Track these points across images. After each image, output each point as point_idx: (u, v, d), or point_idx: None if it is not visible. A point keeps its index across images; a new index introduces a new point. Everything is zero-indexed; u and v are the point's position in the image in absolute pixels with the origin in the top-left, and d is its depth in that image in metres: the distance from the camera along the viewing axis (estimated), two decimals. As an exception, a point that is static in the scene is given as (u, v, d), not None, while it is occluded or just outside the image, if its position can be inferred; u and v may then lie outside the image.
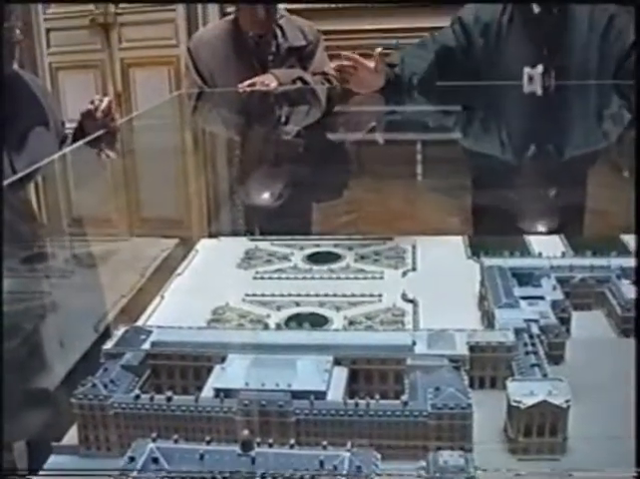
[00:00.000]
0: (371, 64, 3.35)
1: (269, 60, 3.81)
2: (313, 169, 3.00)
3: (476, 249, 2.11)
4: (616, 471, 1.13)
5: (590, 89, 3.35)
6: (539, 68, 3.13)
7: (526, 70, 3.16)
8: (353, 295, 1.92)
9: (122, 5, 6.73)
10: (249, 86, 3.72)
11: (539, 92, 3.16)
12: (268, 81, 3.73)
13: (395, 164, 3.11)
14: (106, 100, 2.88)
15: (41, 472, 1.24)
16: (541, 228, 2.44)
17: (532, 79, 3.16)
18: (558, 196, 2.67)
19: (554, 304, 1.65)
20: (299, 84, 3.85)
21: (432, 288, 1.94)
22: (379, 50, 3.36)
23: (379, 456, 1.16)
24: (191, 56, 3.90)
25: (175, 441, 1.19)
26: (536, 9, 3.19)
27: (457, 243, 2.23)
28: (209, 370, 1.41)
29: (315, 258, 2.18)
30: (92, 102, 2.86)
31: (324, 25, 5.48)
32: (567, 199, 2.63)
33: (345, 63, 3.39)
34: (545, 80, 3.15)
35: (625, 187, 2.53)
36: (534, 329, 1.52)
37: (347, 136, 3.50)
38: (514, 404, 1.26)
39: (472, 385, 1.35)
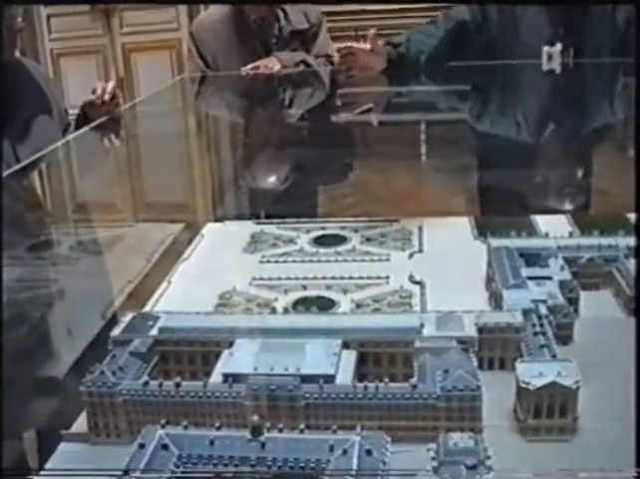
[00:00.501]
0: (366, 45, 3.32)
1: (272, 43, 3.80)
2: (317, 151, 2.99)
3: (482, 230, 2.11)
4: (616, 471, 1.12)
5: (605, 67, 3.33)
6: (558, 46, 3.11)
7: (545, 49, 3.13)
8: (360, 278, 1.92)
9: (122, -11, 6.72)
10: (253, 69, 3.71)
11: (558, 70, 3.14)
12: (272, 64, 3.72)
13: (400, 145, 3.10)
14: (110, 84, 2.87)
15: (42, 472, 1.24)
16: (548, 207, 2.43)
17: (551, 57, 3.14)
18: (565, 175, 2.66)
19: (562, 285, 1.64)
20: (302, 67, 3.84)
21: (439, 270, 1.93)
22: (373, 31, 3.34)
23: (389, 439, 1.15)
24: (194, 40, 3.89)
25: (185, 427, 1.19)
26: None
27: (463, 225, 2.22)
28: (218, 355, 1.41)
29: (321, 241, 2.17)
30: (94, 91, 2.85)
31: (326, 6, 5.47)
32: (574, 178, 2.62)
33: (342, 53, 3.37)
34: (564, 57, 3.13)
35: (632, 165, 2.52)
36: (543, 310, 1.51)
37: (351, 117, 3.49)
38: (524, 385, 1.25)
39: (480, 367, 1.35)
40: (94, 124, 2.75)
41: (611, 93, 3.39)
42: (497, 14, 3.26)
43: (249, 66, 3.71)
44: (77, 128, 2.87)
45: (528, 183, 2.55)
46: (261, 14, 3.74)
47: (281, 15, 3.80)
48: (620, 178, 2.43)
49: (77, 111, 2.94)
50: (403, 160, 2.96)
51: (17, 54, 2.71)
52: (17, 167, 2.33)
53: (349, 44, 3.38)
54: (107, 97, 2.80)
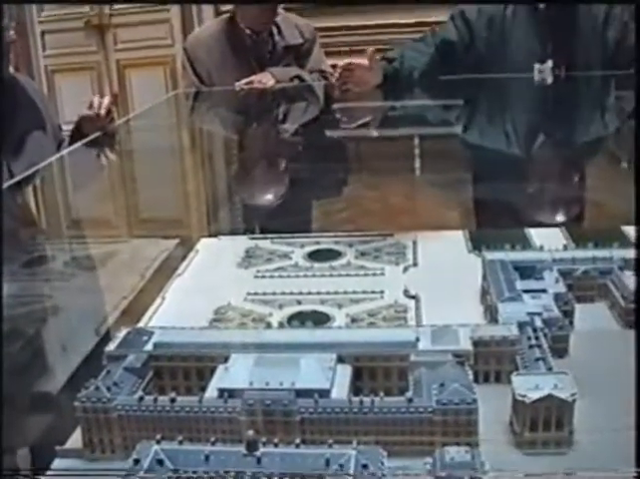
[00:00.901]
0: (364, 61, 3.34)
1: (266, 58, 3.81)
2: (311, 166, 2.99)
3: (477, 244, 2.11)
4: (616, 471, 1.12)
5: (595, 81, 3.34)
6: (549, 63, 3.12)
7: (536, 66, 3.14)
8: (354, 292, 1.92)
9: (116, 6, 6.73)
10: (247, 84, 3.72)
11: (549, 82, 3.15)
12: (265, 79, 3.73)
13: (394, 159, 3.10)
14: (106, 99, 2.87)
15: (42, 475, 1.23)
16: (542, 220, 2.43)
17: (543, 73, 3.14)
18: (559, 188, 2.66)
19: (557, 297, 1.64)
20: (296, 82, 3.85)
21: (433, 284, 1.93)
22: (371, 49, 3.35)
23: (385, 453, 1.15)
24: (188, 56, 3.89)
25: (180, 442, 1.19)
26: (541, 4, 3.17)
27: (457, 238, 2.22)
28: (213, 371, 1.40)
29: (316, 256, 2.17)
30: (90, 105, 2.85)
31: (319, 22, 5.48)
32: (568, 191, 2.63)
33: (339, 71, 3.38)
34: (555, 72, 3.14)
35: (626, 178, 2.53)
36: (538, 323, 1.51)
37: (346, 132, 3.50)
38: (520, 398, 1.25)
39: (476, 380, 1.35)
40: (88, 139, 2.75)
41: (603, 106, 3.40)
42: (486, 33, 3.27)
43: (243, 81, 3.71)
44: (71, 143, 2.87)
45: (522, 196, 2.55)
46: (258, 28, 3.75)
47: (275, 30, 3.81)
48: (614, 190, 2.43)
49: (71, 127, 2.93)
50: (397, 174, 2.96)
51: (11, 69, 2.71)
52: (11, 182, 2.33)
53: (348, 60, 3.39)
54: (102, 111, 2.80)
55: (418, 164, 3.05)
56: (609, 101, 3.42)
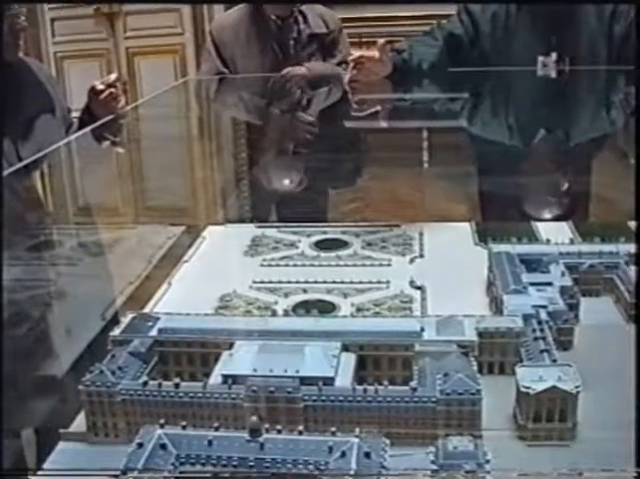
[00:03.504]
0: (375, 53, 3.34)
1: (290, 45, 3.80)
2: (321, 156, 2.99)
3: (483, 236, 2.11)
4: (616, 471, 1.12)
5: (600, 75, 3.33)
6: (553, 56, 3.11)
7: (540, 58, 3.13)
8: (360, 282, 1.92)
9: (126, -6, 6.72)
10: (282, 77, 3.70)
11: (553, 76, 3.14)
12: (300, 71, 3.71)
13: (402, 150, 3.10)
14: (112, 76, 2.86)
15: (40, 472, 1.23)
16: (549, 214, 2.43)
17: (546, 66, 3.13)
18: (566, 182, 2.66)
19: (563, 290, 1.64)
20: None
21: (439, 275, 1.93)
22: (382, 41, 3.35)
23: (388, 442, 1.15)
24: (213, 40, 3.86)
25: (184, 427, 1.19)
26: None
27: (464, 230, 2.22)
28: (217, 357, 1.41)
29: (322, 245, 2.17)
30: (93, 88, 2.84)
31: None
32: (575, 185, 2.62)
33: (351, 64, 3.37)
34: (560, 65, 3.13)
35: (632, 172, 2.52)
36: (543, 315, 1.51)
37: (353, 124, 3.49)
38: (524, 390, 1.25)
39: (480, 371, 1.35)
40: (97, 124, 2.74)
41: (609, 101, 3.39)
42: (490, 27, 3.25)
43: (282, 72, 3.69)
44: (80, 126, 2.86)
45: (525, 189, 2.54)
46: (281, 15, 3.73)
47: (300, 18, 3.80)
48: (620, 185, 2.43)
49: (79, 114, 2.92)
50: (405, 166, 2.96)
51: (21, 54, 2.71)
52: (19, 165, 2.32)
53: (359, 53, 3.39)
54: (112, 78, 2.79)
55: (425, 155, 3.05)
56: (614, 95, 3.40)
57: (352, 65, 3.25)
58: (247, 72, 3.73)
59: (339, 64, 3.80)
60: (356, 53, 3.33)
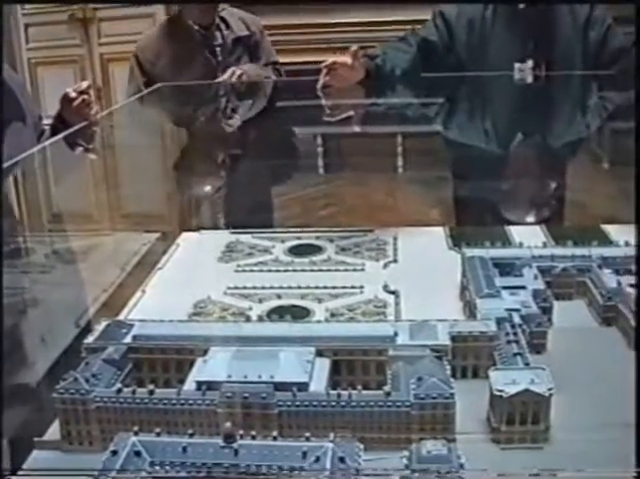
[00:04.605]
0: (347, 59, 3.34)
1: (218, 52, 3.81)
2: (289, 162, 2.99)
3: (457, 240, 2.12)
4: (616, 471, 1.13)
5: (576, 80, 3.35)
6: (529, 62, 3.13)
7: (517, 65, 3.15)
8: (334, 287, 1.92)
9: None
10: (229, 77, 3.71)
11: (530, 81, 3.16)
12: (238, 71, 3.72)
13: (376, 156, 3.11)
14: (84, 83, 2.85)
15: (20, 472, 1.23)
16: (523, 218, 2.44)
17: (523, 72, 3.15)
18: (542, 186, 2.67)
19: (536, 294, 1.65)
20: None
21: (413, 280, 1.94)
22: (354, 47, 3.35)
23: (362, 447, 1.16)
24: (138, 61, 3.85)
25: (158, 434, 1.19)
26: (521, 4, 3.18)
27: (438, 234, 2.23)
28: (192, 363, 1.41)
29: (296, 251, 2.18)
30: (66, 95, 2.82)
31: (302, 19, 5.51)
32: (549, 190, 2.64)
33: (324, 70, 3.37)
34: (536, 71, 3.15)
35: (605, 177, 2.54)
36: (516, 319, 1.52)
37: (325, 129, 3.49)
38: (497, 393, 1.26)
39: (454, 375, 1.35)
40: (70, 130, 2.73)
41: (583, 106, 3.41)
42: (466, 34, 3.26)
43: (226, 75, 3.70)
44: (53, 133, 2.84)
45: (500, 194, 2.55)
46: (204, 23, 3.75)
47: (222, 24, 3.82)
48: (594, 189, 2.45)
49: (51, 121, 2.91)
50: (379, 171, 2.96)
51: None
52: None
53: (332, 59, 3.39)
54: (84, 85, 2.77)
55: (399, 161, 3.06)
56: (589, 100, 3.43)
57: (325, 71, 3.25)
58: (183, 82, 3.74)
59: (266, 64, 3.84)
60: (329, 59, 3.33)
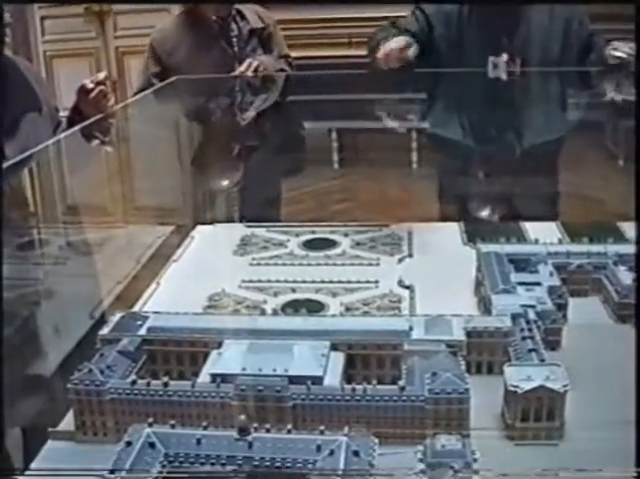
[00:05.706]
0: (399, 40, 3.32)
1: (234, 42, 3.83)
2: (300, 156, 2.99)
3: (472, 236, 2.11)
4: (616, 471, 1.12)
5: (552, 76, 3.34)
6: (504, 56, 3.12)
7: (491, 58, 3.14)
8: (349, 282, 1.92)
9: (117, -7, 6.71)
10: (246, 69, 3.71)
11: (504, 77, 3.16)
12: (255, 63, 3.73)
13: (391, 151, 3.10)
14: (101, 74, 2.85)
15: (28, 472, 1.23)
16: (538, 214, 2.43)
17: (497, 66, 3.14)
18: (555, 184, 2.67)
19: (551, 290, 1.65)
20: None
21: (428, 275, 1.93)
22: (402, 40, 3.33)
23: (376, 441, 1.15)
24: (154, 51, 3.84)
25: (172, 426, 1.19)
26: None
27: (453, 230, 2.23)
28: (206, 356, 1.41)
29: (311, 245, 2.17)
30: (82, 87, 2.83)
31: (320, 14, 5.50)
32: (564, 186, 2.63)
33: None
34: (510, 66, 3.14)
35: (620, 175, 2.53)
36: (531, 315, 1.52)
37: (340, 124, 3.49)
38: (512, 389, 1.26)
39: (469, 370, 1.35)
40: (85, 123, 2.73)
41: (558, 101, 3.42)
42: (443, 27, 3.25)
43: (242, 67, 3.70)
44: (69, 125, 2.85)
45: (518, 190, 2.55)
46: (222, 14, 3.76)
47: (238, 16, 3.84)
48: (610, 187, 2.44)
49: (67, 113, 2.91)
50: (394, 166, 2.96)
51: (8, 52, 2.70)
52: (5, 164, 2.31)
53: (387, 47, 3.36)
54: (101, 76, 2.77)
55: (414, 156, 3.05)
56: (563, 96, 3.43)
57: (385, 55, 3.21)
58: (200, 73, 3.75)
59: (279, 57, 3.88)
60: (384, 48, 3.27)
